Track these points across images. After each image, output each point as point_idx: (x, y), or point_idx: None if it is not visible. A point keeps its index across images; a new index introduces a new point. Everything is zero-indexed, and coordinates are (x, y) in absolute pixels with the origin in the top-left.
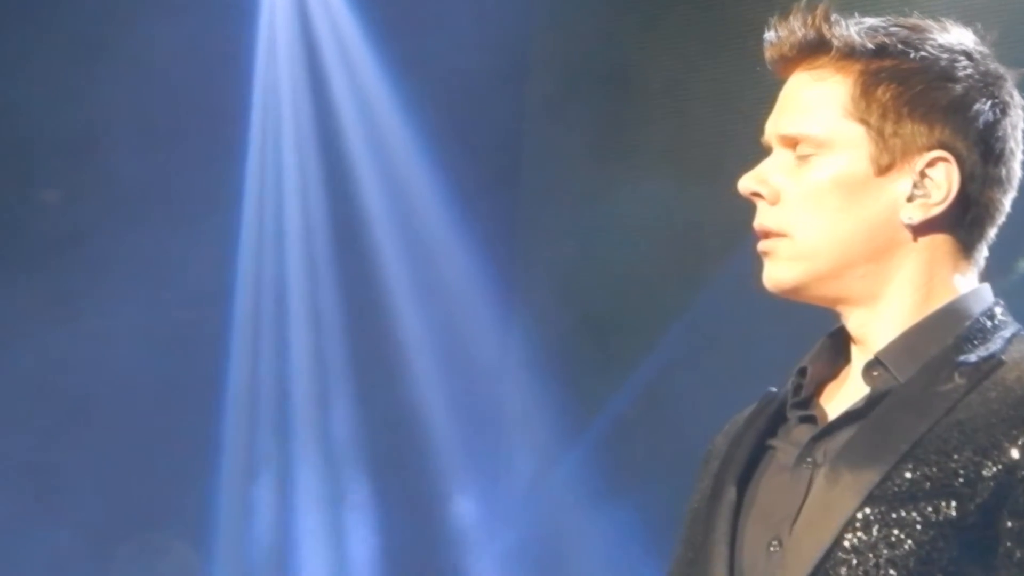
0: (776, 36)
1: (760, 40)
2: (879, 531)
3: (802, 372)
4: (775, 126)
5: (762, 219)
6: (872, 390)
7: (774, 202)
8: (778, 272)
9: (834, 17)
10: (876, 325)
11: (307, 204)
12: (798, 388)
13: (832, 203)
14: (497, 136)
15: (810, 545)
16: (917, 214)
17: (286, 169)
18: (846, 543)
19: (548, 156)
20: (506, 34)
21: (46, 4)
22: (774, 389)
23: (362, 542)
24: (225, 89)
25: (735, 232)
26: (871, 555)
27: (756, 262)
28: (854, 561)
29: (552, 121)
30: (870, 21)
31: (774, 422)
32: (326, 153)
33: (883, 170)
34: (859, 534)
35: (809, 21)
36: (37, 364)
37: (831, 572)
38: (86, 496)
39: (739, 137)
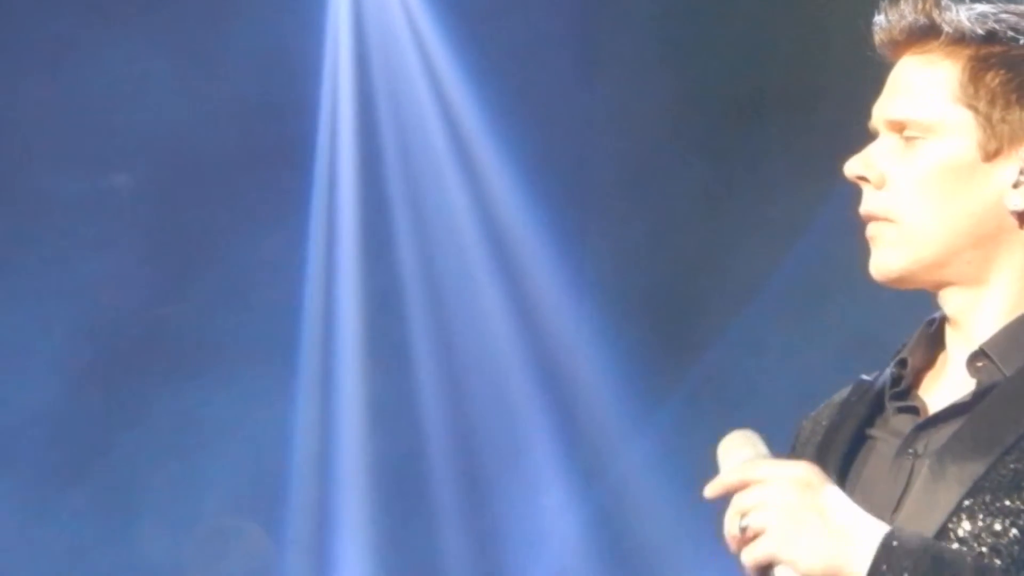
0: (886, 20)
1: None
2: (983, 520)
3: (902, 363)
4: (882, 110)
5: (868, 204)
6: (979, 384)
7: (880, 186)
8: (884, 259)
9: (944, 2)
10: (978, 310)
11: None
12: (897, 379)
13: (938, 188)
14: (567, 117)
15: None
16: (1023, 201)
17: (357, 154)
18: (951, 533)
19: (618, 132)
20: (577, 7)
21: None
22: (867, 377)
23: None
24: (298, 62)
25: (808, 215)
26: (975, 544)
27: (827, 247)
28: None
29: (623, 97)
30: (980, 7)
31: (871, 411)
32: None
33: (990, 156)
34: (964, 524)
35: (920, 6)
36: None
37: None
38: (159, 479)
39: (816, 113)
